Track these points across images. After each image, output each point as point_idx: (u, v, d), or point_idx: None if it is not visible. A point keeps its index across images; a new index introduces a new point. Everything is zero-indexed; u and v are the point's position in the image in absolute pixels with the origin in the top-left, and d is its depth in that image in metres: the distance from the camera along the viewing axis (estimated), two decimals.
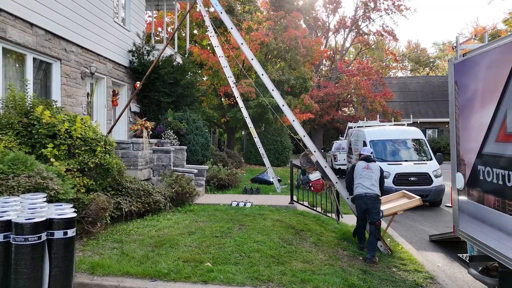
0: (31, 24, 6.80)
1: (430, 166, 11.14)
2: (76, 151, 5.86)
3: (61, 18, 7.62)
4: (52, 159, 5.60)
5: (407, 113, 38.74)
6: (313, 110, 20.99)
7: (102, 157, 6.07)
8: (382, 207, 7.24)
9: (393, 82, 40.73)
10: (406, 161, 11.52)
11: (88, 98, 9.04)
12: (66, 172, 5.65)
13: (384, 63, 39.32)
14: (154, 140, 9.27)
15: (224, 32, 20.10)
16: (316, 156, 7.38)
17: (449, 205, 11.38)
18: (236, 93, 10.73)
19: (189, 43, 16.06)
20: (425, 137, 38.33)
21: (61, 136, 5.76)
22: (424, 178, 10.77)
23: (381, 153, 11.96)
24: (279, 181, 12.91)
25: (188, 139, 10.81)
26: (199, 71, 19.83)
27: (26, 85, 6.34)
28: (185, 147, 10.12)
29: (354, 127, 16.80)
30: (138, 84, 10.90)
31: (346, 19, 39.02)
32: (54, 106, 6.39)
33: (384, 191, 10.78)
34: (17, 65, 6.77)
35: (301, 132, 7.82)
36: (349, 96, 34.49)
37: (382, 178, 6.32)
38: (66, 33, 7.81)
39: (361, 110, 34.14)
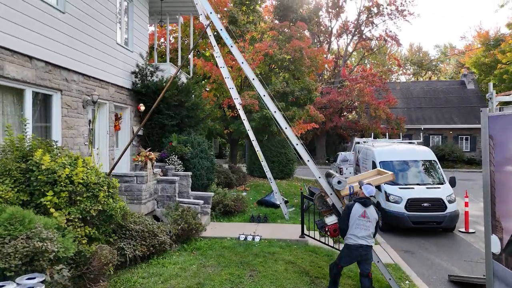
0: (30, 58, 6.43)
1: (444, 191, 10.75)
2: (78, 198, 5.49)
3: (62, 47, 7.26)
4: (51, 210, 5.24)
5: (410, 119, 38.40)
6: (318, 120, 20.62)
7: (105, 202, 5.70)
8: (354, 185, 6.96)
9: (397, 88, 40.39)
10: (418, 184, 11.14)
11: (89, 126, 8.68)
12: (67, 223, 5.29)
13: (386, 67, 38.89)
14: (158, 170, 8.92)
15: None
16: (310, 165, 7.15)
17: (463, 230, 11.01)
18: (238, 105, 10.40)
19: (192, 54, 15.67)
20: (429, 143, 38.06)
21: (62, 183, 5.40)
22: (438, 204, 10.38)
23: None
24: (286, 202, 12.55)
25: (193, 163, 10.45)
26: (203, 82, 19.50)
27: (25, 125, 5.96)
28: (190, 174, 9.76)
29: (361, 143, 16.44)
30: (141, 106, 10.57)
31: (348, 23, 38.68)
32: (54, 146, 6.03)
33: (395, 217, 10.58)
34: (15, 100, 6.40)
35: (294, 140, 7.60)
36: (352, 102, 34.10)
37: (377, 225, 5.72)
38: (67, 62, 7.44)
39: (365, 118, 33.73)
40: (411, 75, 61.03)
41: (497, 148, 4.16)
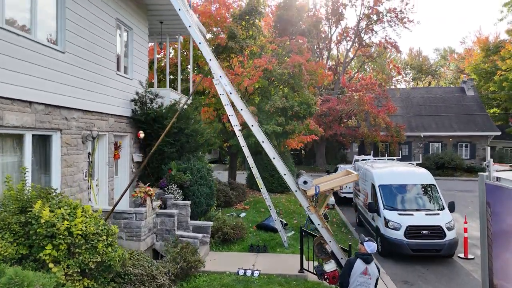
0: (30, 103, 6.44)
1: (443, 218, 10.77)
2: (77, 250, 5.51)
3: (62, 87, 7.27)
4: (50, 265, 5.26)
5: (410, 126, 38.43)
6: (318, 134, 20.64)
7: (104, 252, 5.71)
8: (321, 185, 7.20)
9: (397, 95, 40.37)
10: (417, 210, 11.16)
11: (89, 158, 8.68)
12: (66, 277, 5.31)
13: (386, 74, 38.87)
14: (157, 202, 8.92)
15: (227, 57, 19.79)
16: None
17: (462, 256, 11.03)
18: (234, 122, 10.40)
19: (192, 69, 15.67)
20: (429, 150, 38.01)
21: (61, 235, 5.41)
22: (437, 232, 10.40)
23: (391, 200, 11.61)
24: (285, 225, 12.56)
25: (192, 191, 10.46)
26: (202, 97, 19.50)
27: (25, 173, 5.97)
28: (189, 203, 9.78)
29: (360, 161, 16.47)
30: (141, 133, 10.58)
31: (349, 29, 38.65)
32: (54, 194, 6.05)
33: (394, 244, 10.60)
34: (14, 144, 6.41)
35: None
36: (351, 110, 34.12)
37: (377, 281, 5.71)
38: (68, 101, 7.45)
39: (364, 126, 33.75)
40: (411, 80, 61.08)
41: (494, 218, 4.17)
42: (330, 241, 6.66)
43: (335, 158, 40.56)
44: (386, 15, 36.75)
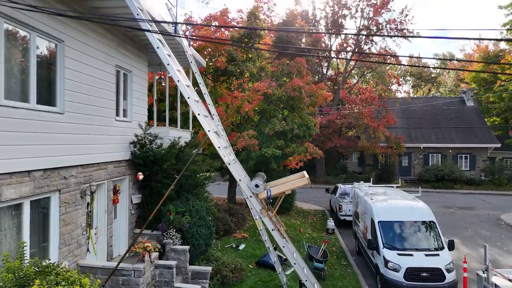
0: (29, 172, 6.43)
1: (443, 259, 10.76)
2: None
3: (61, 148, 7.25)
4: None
5: (410, 137, 38.43)
6: (317, 156, 20.64)
7: None
8: (272, 188, 7.22)
9: (396, 105, 40.36)
10: (417, 249, 11.16)
11: (88, 209, 8.67)
12: None
13: (385, 84, 38.85)
14: (155, 253, 8.92)
15: (227, 79, 19.78)
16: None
17: None
18: (228, 165, 10.42)
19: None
20: (429, 162, 37.96)
21: None
22: (437, 274, 10.40)
23: (390, 238, 11.62)
24: (285, 260, 12.53)
25: (191, 233, 10.45)
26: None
27: (23, 248, 5.95)
28: (187, 248, 9.81)
29: (359, 188, 16.48)
30: (140, 175, 10.57)
31: (348, 39, 38.62)
32: (52, 268, 6.03)
33: (394, 285, 10.60)
34: (12, 213, 6.40)
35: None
36: (351, 123, 34.15)
37: None
38: (66, 160, 7.44)
39: (364, 139, 33.75)
40: (411, 88, 61.11)
41: None
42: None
43: (335, 168, 40.57)
44: (385, 26, 36.76)
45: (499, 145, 36.35)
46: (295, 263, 7.83)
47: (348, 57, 39.17)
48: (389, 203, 13.14)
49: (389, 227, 11.88)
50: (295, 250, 8.43)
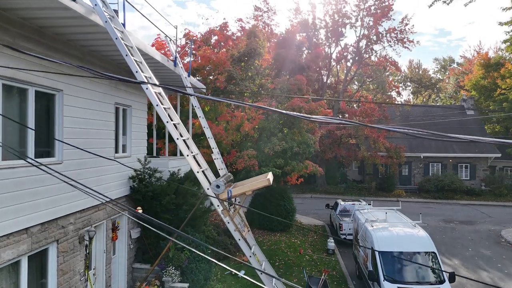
0: (27, 229, 6.38)
1: None
2: None
3: (59, 198, 7.19)
4: None
5: (410, 147, 38.33)
6: (317, 174, 20.61)
7: None
8: (233, 189, 7.17)
9: (396, 113, 40.37)
10: (418, 283, 11.11)
11: (86, 251, 8.61)
12: None
13: (385, 94, 38.83)
14: None
15: (227, 96, 19.71)
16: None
17: None
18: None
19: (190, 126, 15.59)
20: (429, 171, 37.84)
21: None
22: None
23: (391, 270, 11.56)
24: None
25: (190, 268, 10.41)
26: (202, 138, 19.43)
27: None
28: (186, 285, 9.78)
29: (359, 211, 16.43)
30: (139, 209, 10.50)
31: (348, 47, 38.60)
32: None
33: None
34: (10, 269, 6.34)
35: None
36: (351, 134, 34.13)
37: None
38: (64, 210, 7.39)
39: (364, 150, 33.70)
40: (411, 94, 61.08)
41: None
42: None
43: (335, 177, 40.50)
44: (386, 36, 36.72)
45: (499, 155, 36.34)
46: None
47: (348, 66, 39.15)
48: (390, 231, 13.07)
49: (389, 257, 11.81)
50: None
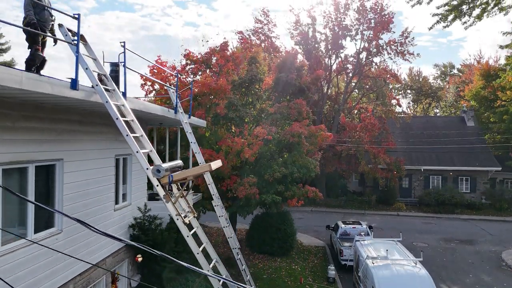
0: None
1: None
2: None
3: (58, 267, 7.15)
4: None
5: (410, 159, 38.25)
6: (317, 199, 20.63)
7: None
8: (174, 174, 7.15)
9: (396, 125, 40.30)
10: None
11: None
12: None
13: (385, 106, 38.82)
14: None
15: (227, 123, 19.70)
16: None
17: None
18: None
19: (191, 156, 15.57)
20: (430, 184, 37.75)
21: None
22: None
23: None
24: None
25: None
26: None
27: None
28: None
29: (360, 243, 16.38)
30: (139, 258, 10.48)
31: (348, 57, 38.57)
32: None
33: None
34: None
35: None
36: (350, 149, 34.14)
37: None
38: (64, 277, 7.35)
39: (364, 164, 33.71)
40: (411, 101, 61.07)
41: None
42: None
43: (335, 188, 40.45)
44: (386, 48, 36.72)
45: (500, 168, 36.34)
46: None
47: (348, 79, 39.16)
48: (391, 272, 13.02)
49: None
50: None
